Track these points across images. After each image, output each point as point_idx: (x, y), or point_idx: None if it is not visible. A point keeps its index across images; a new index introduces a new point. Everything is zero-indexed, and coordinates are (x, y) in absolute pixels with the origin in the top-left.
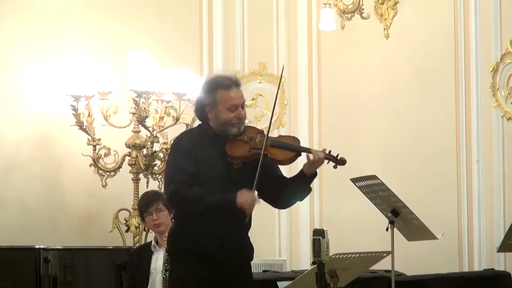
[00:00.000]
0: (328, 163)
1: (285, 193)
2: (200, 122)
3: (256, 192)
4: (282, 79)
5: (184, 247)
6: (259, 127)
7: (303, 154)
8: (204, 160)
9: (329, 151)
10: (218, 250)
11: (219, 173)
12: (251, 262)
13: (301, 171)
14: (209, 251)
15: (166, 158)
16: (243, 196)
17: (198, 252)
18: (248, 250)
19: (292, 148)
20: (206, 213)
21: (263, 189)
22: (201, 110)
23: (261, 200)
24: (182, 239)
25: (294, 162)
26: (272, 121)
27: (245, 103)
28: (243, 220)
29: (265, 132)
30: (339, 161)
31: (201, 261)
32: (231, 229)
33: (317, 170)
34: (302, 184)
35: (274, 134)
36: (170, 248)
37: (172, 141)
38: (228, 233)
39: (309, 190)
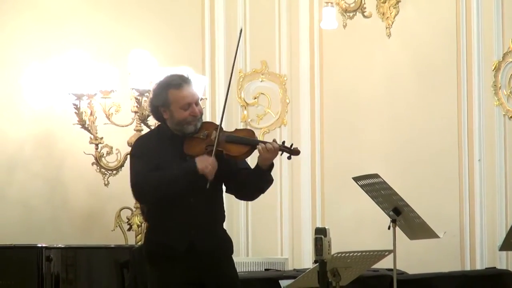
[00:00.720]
0: (281, 154)
1: (245, 186)
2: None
3: (214, 158)
4: (285, 78)
5: (156, 250)
6: (262, 126)
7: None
8: (165, 160)
9: (283, 142)
10: (187, 251)
11: None
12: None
13: (257, 164)
14: (178, 252)
15: None
16: (202, 162)
17: (169, 253)
18: (223, 245)
19: (246, 142)
20: (170, 193)
21: (227, 182)
22: (156, 111)
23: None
24: (153, 242)
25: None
26: (274, 120)
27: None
28: (213, 216)
29: (221, 127)
30: (293, 152)
31: (174, 263)
32: (200, 228)
33: (274, 162)
34: (259, 177)
35: (275, 133)
36: (144, 251)
37: (132, 146)
38: (196, 233)
39: (268, 181)
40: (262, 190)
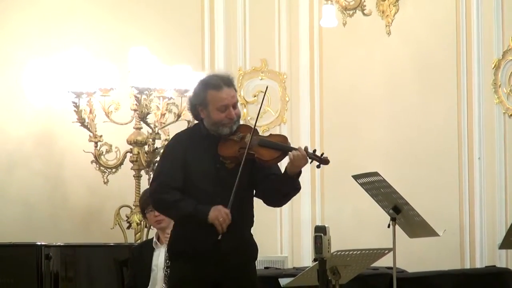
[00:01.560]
0: (311, 162)
1: (273, 192)
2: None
3: (228, 210)
4: (285, 76)
5: (180, 247)
6: (261, 124)
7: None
8: (196, 161)
9: (314, 150)
10: (212, 250)
11: (210, 172)
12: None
13: (285, 171)
14: (203, 252)
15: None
16: (215, 212)
17: (193, 252)
18: (247, 249)
19: (278, 147)
20: (180, 220)
21: (257, 186)
22: (194, 109)
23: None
24: (179, 238)
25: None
26: (274, 118)
27: (248, 100)
28: (240, 218)
29: (256, 130)
30: (323, 161)
31: (197, 262)
32: (228, 231)
33: (303, 170)
34: (286, 183)
35: (274, 131)
36: (168, 247)
37: (167, 142)
38: (224, 235)
39: (295, 189)
40: (288, 197)
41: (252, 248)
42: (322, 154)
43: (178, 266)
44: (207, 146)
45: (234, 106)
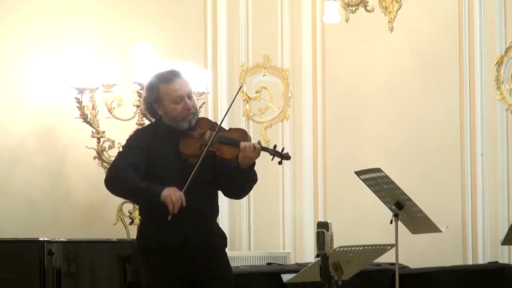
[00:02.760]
0: (272, 159)
1: (231, 184)
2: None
3: (182, 193)
4: (287, 72)
5: (148, 245)
6: (264, 120)
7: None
8: (159, 156)
9: (274, 146)
10: (180, 246)
11: (173, 169)
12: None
13: (237, 163)
14: (171, 248)
15: None
16: (169, 191)
17: (162, 248)
18: (216, 240)
19: (238, 143)
20: (133, 198)
21: (217, 180)
22: (150, 109)
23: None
24: (145, 236)
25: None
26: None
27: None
28: (206, 211)
29: (218, 125)
30: (283, 156)
31: (166, 258)
32: (194, 224)
33: (257, 161)
34: (240, 175)
35: (277, 127)
36: (136, 245)
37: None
38: (190, 229)
39: (251, 181)
40: (245, 189)
41: (221, 238)
42: (282, 150)
43: (151, 263)
44: (169, 142)
45: (189, 96)
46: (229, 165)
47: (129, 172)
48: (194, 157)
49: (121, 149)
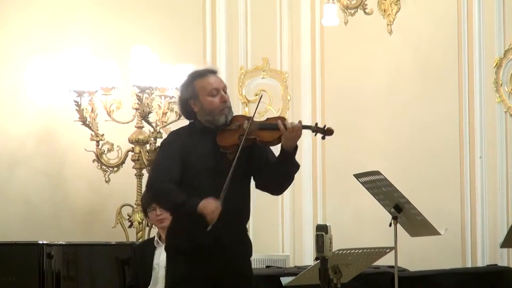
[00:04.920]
0: (315, 135)
1: (273, 176)
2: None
3: (219, 202)
4: (286, 75)
5: (180, 241)
6: None
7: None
8: (194, 154)
9: (316, 124)
10: (213, 244)
11: (209, 165)
12: (251, 258)
13: (281, 148)
14: (204, 245)
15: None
16: (205, 203)
17: (194, 246)
18: (245, 245)
19: (277, 127)
20: (173, 210)
21: (257, 177)
22: (185, 106)
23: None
24: (177, 233)
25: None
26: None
27: (249, 99)
28: (239, 212)
29: (253, 115)
30: (326, 131)
31: (196, 257)
32: (227, 222)
33: (299, 145)
34: (284, 161)
35: None
36: (167, 243)
37: (162, 140)
38: (224, 226)
39: (294, 166)
40: (289, 176)
41: (249, 244)
42: (325, 126)
43: (178, 263)
44: (205, 140)
45: (224, 90)
46: (266, 160)
47: (165, 185)
48: (232, 148)
49: (157, 154)
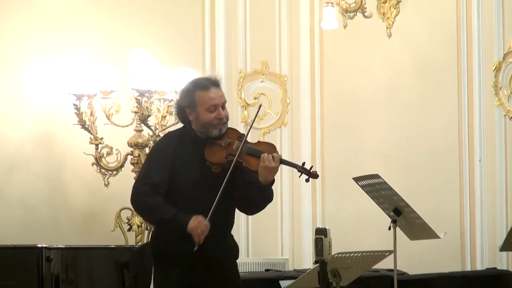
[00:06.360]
0: (300, 176)
1: (245, 200)
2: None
3: (208, 223)
4: (285, 78)
5: (163, 248)
6: (262, 126)
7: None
8: (183, 164)
9: (303, 163)
10: (194, 255)
11: (196, 177)
12: (250, 261)
13: (256, 179)
14: (186, 254)
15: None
16: (194, 223)
17: (176, 253)
18: (229, 251)
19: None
20: (159, 225)
21: (236, 193)
22: (181, 112)
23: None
24: (161, 239)
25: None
26: (274, 120)
27: (248, 102)
28: (223, 223)
29: (245, 136)
30: (311, 174)
31: (180, 263)
32: (209, 234)
33: (276, 178)
34: (257, 191)
35: (275, 133)
36: (151, 248)
37: (154, 143)
38: (209, 241)
39: (265, 199)
40: (258, 207)
41: (234, 251)
42: (311, 168)
43: (162, 270)
44: (195, 150)
45: (223, 106)
46: (248, 178)
47: (153, 198)
48: (218, 165)
49: (147, 158)
